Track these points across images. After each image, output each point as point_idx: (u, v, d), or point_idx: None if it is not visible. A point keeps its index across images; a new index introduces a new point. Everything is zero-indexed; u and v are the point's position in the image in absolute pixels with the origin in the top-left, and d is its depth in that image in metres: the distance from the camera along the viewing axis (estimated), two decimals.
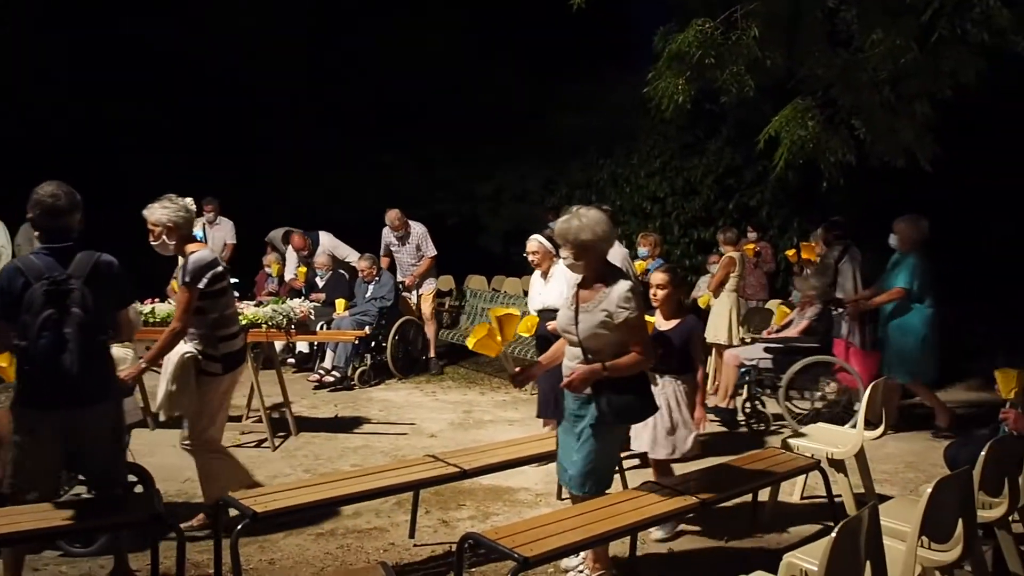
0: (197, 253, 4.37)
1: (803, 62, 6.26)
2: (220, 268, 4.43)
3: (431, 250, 9.03)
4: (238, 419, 6.56)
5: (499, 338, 3.79)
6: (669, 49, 6.39)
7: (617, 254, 5.30)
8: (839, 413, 6.53)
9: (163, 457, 5.97)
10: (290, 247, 9.50)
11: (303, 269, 9.35)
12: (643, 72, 6.67)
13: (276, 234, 9.98)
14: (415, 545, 4.47)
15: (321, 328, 8.09)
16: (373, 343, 8.43)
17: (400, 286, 8.85)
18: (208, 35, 12.85)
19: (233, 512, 3.73)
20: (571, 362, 3.77)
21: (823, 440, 4.83)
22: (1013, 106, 8.30)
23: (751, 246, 9.09)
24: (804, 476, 4.87)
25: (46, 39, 12.40)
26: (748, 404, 6.79)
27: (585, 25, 7.38)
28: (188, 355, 4.36)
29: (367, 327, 8.04)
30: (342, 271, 9.14)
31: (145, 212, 4.41)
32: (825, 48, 6.16)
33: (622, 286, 3.63)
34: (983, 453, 3.43)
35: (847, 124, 6.10)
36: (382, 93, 13.80)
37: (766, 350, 6.75)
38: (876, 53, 5.56)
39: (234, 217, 9.92)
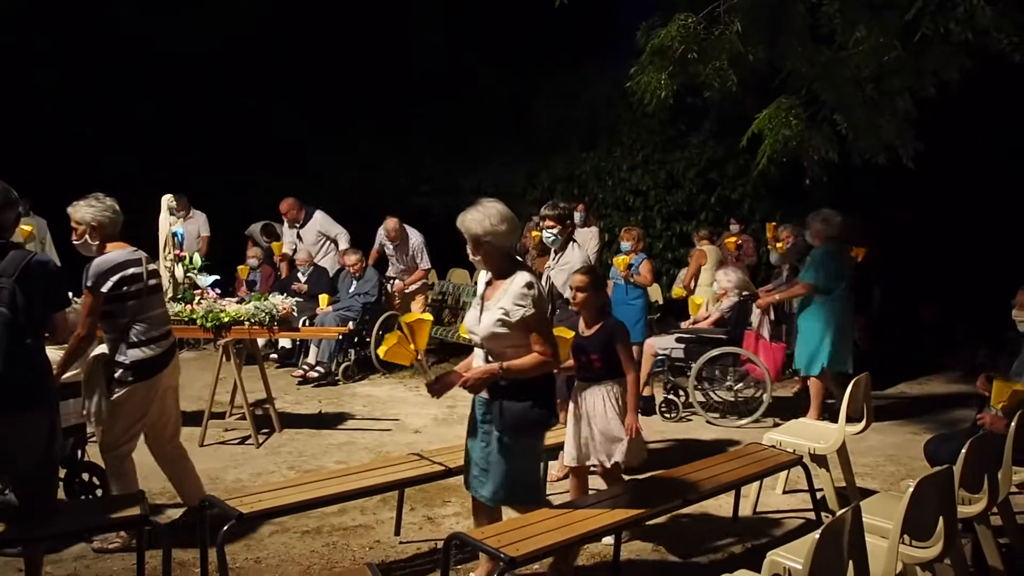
0: (104, 256, 4.17)
1: (786, 57, 6.28)
2: (133, 271, 4.19)
3: (425, 263, 9.10)
4: (221, 416, 6.54)
5: (411, 346, 3.53)
6: (652, 43, 6.40)
7: (578, 257, 5.17)
8: (748, 402, 6.88)
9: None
10: (285, 224, 9.45)
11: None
12: (625, 65, 6.67)
13: (255, 228, 9.92)
14: (401, 543, 4.48)
15: (304, 323, 8.06)
16: (356, 338, 8.40)
17: (385, 281, 8.83)
18: (187, 27, 12.74)
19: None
20: (477, 364, 3.59)
21: (805, 436, 4.87)
22: (996, 104, 8.38)
23: (732, 239, 9.14)
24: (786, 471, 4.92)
25: (21, 31, 12.28)
26: (665, 392, 7.06)
27: (566, 18, 7.35)
28: (95, 356, 4.27)
29: (351, 322, 8.01)
30: (323, 266, 9.11)
31: (70, 209, 4.24)
32: (808, 44, 6.19)
33: (519, 280, 3.42)
34: (964, 450, 3.47)
35: (830, 121, 6.13)
36: (364, 86, 13.71)
37: (677, 340, 7.01)
38: (859, 51, 5.59)
39: (214, 210, 9.84)
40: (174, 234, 6.15)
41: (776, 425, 6.55)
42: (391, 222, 8.89)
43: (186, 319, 5.96)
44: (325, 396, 7.74)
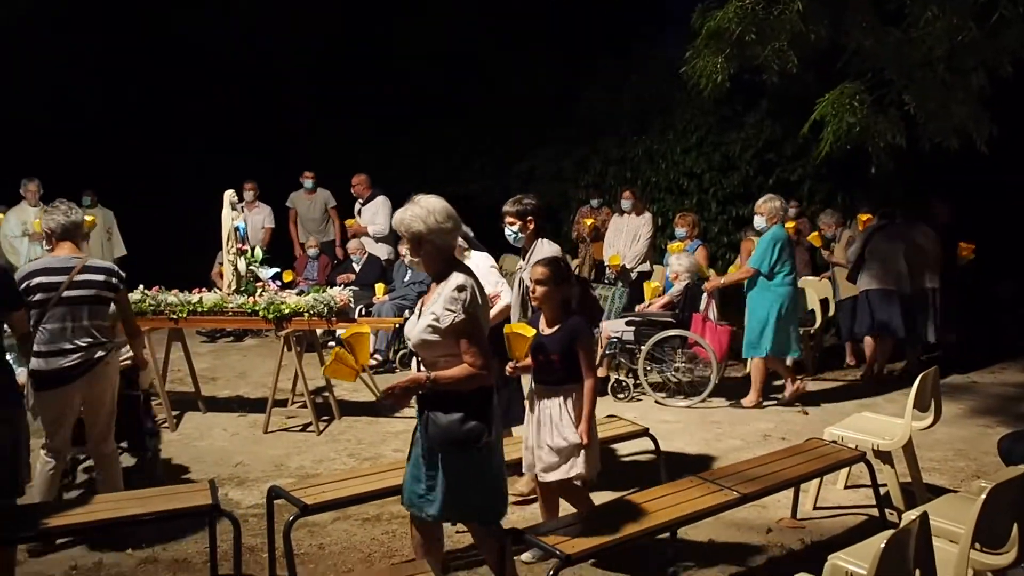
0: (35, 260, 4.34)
1: (851, 35, 6.08)
2: (42, 280, 4.11)
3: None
4: (284, 403, 6.71)
5: (351, 361, 3.33)
6: (708, 26, 6.28)
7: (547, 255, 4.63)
8: (696, 383, 7.06)
9: (213, 440, 6.12)
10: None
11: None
12: (676, 45, 6.54)
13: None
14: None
15: (360, 312, 8.14)
16: None
17: None
18: (238, 24, 12.98)
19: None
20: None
21: (868, 431, 4.74)
22: None
23: (791, 223, 8.93)
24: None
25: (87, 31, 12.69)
26: (612, 375, 7.31)
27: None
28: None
29: (407, 311, 8.06)
30: (376, 255, 9.17)
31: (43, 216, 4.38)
32: (875, 21, 5.98)
33: (451, 283, 3.15)
34: None
35: (897, 104, 5.92)
36: (413, 79, 13.78)
37: (628, 323, 7.23)
38: (931, 31, 5.36)
39: (270, 203, 9.99)
40: (236, 228, 6.29)
41: (735, 404, 6.97)
42: None
43: (248, 311, 6.20)
44: (383, 384, 7.80)
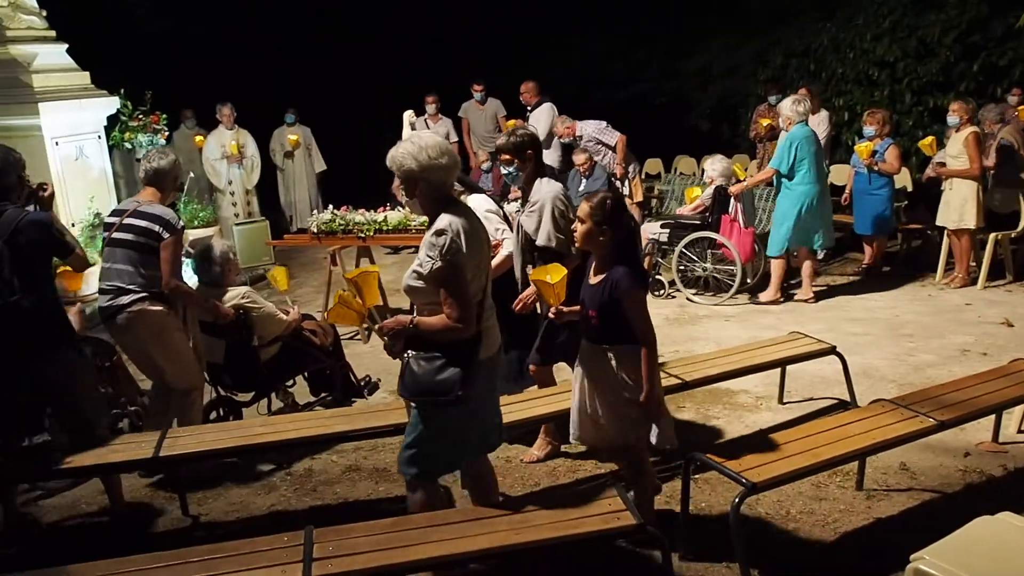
0: None
1: None
2: (106, 221, 4.45)
3: (614, 134, 8.82)
4: None
5: (356, 304, 3.16)
6: None
7: (549, 194, 4.19)
8: (722, 280, 7.47)
9: None
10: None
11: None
12: None
13: None
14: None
15: None
16: None
17: (611, 177, 8.80)
18: None
19: None
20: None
21: None
22: None
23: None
24: None
25: None
26: (652, 273, 7.62)
27: None
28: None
29: None
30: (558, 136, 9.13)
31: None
32: None
33: (435, 226, 2.92)
34: None
35: None
36: None
37: (662, 226, 7.69)
38: None
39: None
40: None
41: (754, 301, 7.27)
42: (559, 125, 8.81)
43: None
44: None
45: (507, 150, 4.27)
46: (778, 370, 5.06)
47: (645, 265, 7.49)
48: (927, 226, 7.96)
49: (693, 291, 7.55)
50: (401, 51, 14.12)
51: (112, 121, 7.75)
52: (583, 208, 3.35)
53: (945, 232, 7.53)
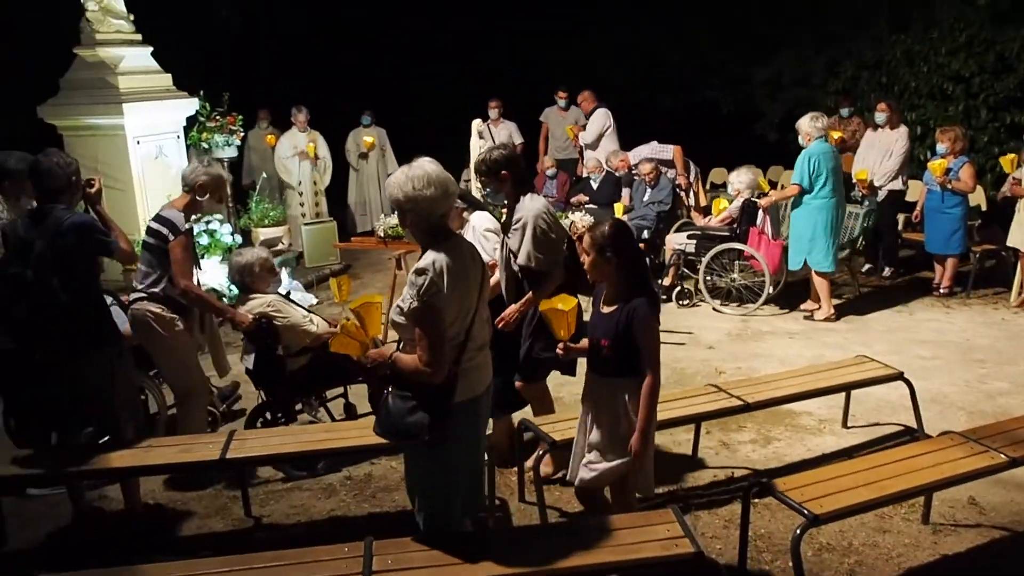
0: None
1: None
2: None
3: (667, 148, 8.98)
4: None
5: (360, 334, 3.07)
6: None
7: (532, 211, 4.05)
8: (750, 291, 7.54)
9: None
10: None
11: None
12: None
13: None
14: (697, 468, 4.61)
15: None
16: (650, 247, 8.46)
17: (676, 188, 8.75)
18: None
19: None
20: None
21: None
22: None
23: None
24: None
25: None
26: (677, 283, 7.82)
27: None
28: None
29: (645, 231, 8.10)
30: (612, 170, 9.17)
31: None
32: None
33: (421, 261, 2.83)
34: None
35: None
36: None
37: (688, 236, 7.74)
38: None
39: (512, 118, 10.29)
40: None
41: (807, 318, 7.20)
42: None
43: None
44: None
45: (480, 172, 4.18)
46: (842, 392, 4.97)
47: (670, 276, 7.83)
48: (1001, 246, 7.73)
49: (719, 301, 7.63)
50: (473, 53, 14.26)
51: (191, 121, 7.99)
52: (586, 240, 3.26)
53: (1018, 253, 7.30)
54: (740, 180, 7.77)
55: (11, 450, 4.06)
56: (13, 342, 3.94)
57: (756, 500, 4.04)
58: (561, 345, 3.35)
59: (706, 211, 8.97)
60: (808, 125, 6.94)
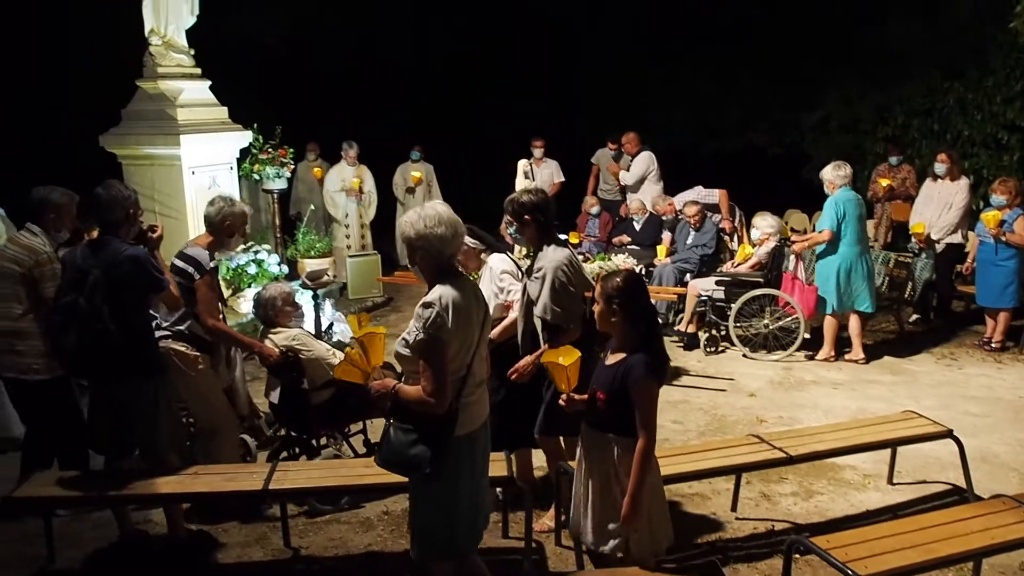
0: None
1: None
2: None
3: (713, 192, 8.95)
4: None
5: (363, 363, 3.13)
6: None
7: (553, 261, 4.01)
8: (781, 337, 7.46)
9: None
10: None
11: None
12: None
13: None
14: (736, 519, 4.54)
15: (640, 272, 8.25)
16: None
17: (720, 232, 8.71)
18: None
19: None
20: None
21: None
22: None
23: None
24: None
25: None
26: (705, 330, 7.70)
27: None
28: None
29: (687, 275, 8.07)
30: (655, 213, 9.17)
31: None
32: None
33: (428, 296, 2.94)
34: None
35: None
36: (688, 9, 13.32)
37: (717, 283, 7.56)
38: None
39: (554, 157, 10.35)
40: None
41: (809, 358, 7.28)
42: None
43: None
44: None
45: (507, 211, 4.18)
46: (888, 448, 4.87)
47: (694, 323, 7.70)
48: None
49: (748, 348, 7.53)
50: (520, 94, 14.44)
51: (244, 153, 8.19)
52: (598, 288, 3.24)
53: None
54: (770, 225, 7.80)
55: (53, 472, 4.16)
56: (62, 369, 4.05)
57: (797, 556, 3.98)
58: (564, 396, 3.33)
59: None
60: (831, 174, 7.01)
